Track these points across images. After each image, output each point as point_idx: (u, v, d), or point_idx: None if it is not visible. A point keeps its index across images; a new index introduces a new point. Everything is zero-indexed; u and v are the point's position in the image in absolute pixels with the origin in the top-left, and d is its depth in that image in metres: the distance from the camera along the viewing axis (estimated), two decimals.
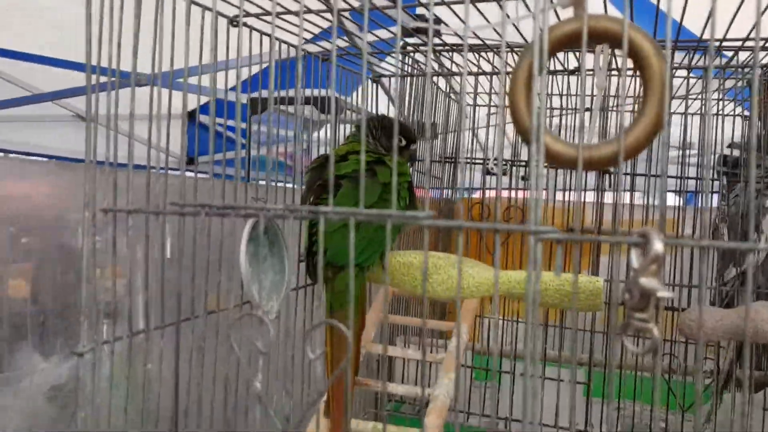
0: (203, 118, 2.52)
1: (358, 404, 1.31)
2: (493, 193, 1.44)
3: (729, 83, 1.24)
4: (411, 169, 1.16)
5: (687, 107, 1.31)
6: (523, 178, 1.36)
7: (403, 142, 0.95)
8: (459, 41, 1.16)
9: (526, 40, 1.05)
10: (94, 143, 0.62)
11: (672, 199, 1.41)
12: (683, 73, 1.21)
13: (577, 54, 1.23)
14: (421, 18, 1.14)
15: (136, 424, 0.67)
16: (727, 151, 1.34)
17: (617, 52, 0.47)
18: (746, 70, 1.15)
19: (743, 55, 1.12)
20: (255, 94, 0.96)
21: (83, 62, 0.59)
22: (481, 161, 1.45)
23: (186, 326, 0.65)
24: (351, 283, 0.53)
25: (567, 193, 1.33)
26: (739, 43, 1.04)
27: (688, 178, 1.32)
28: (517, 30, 0.98)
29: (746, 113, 1.33)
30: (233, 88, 0.61)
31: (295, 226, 0.89)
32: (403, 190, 0.89)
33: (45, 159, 2.70)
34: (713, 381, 1.19)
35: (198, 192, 0.64)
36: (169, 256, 0.66)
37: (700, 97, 1.27)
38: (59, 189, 1.44)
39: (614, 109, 1.32)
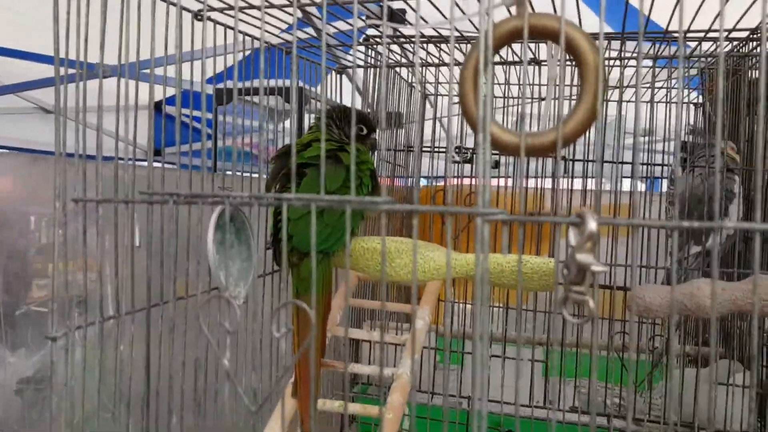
0: (170, 109, 2.50)
1: (327, 387, 1.34)
2: (458, 181, 1.48)
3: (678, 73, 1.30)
4: (375, 157, 1.19)
5: (652, 95, 1.36)
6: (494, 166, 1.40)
7: (365, 131, 0.98)
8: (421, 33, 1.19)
9: (479, 31, 1.09)
10: (64, 135, 0.64)
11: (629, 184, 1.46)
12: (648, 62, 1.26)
13: (532, 47, 1.27)
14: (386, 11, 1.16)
15: (109, 407, 0.69)
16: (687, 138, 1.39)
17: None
18: (692, 60, 1.20)
19: (693, 45, 1.17)
20: (220, 85, 0.97)
21: (45, 54, 0.61)
22: (444, 150, 1.49)
23: (156, 312, 0.67)
24: (313, 269, 0.55)
25: (528, 180, 1.37)
26: (695, 35, 1.09)
27: (646, 164, 1.38)
28: (471, 22, 1.02)
29: (694, 101, 1.40)
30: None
31: (261, 214, 0.91)
32: (365, 177, 0.91)
33: (6, 151, 2.66)
34: (662, 357, 1.25)
35: (165, 182, 0.66)
36: (138, 244, 0.68)
37: (650, 86, 1.32)
38: (22, 181, 1.44)
39: (570, 98, 1.37)
